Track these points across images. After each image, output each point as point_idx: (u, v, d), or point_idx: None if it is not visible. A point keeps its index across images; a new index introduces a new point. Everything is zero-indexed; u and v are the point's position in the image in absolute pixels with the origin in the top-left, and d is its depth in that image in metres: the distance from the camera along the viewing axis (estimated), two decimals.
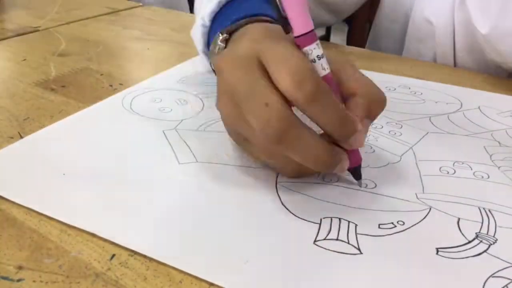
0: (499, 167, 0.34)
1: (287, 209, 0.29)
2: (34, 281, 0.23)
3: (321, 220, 0.28)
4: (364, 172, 0.32)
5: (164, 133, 0.37)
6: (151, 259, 0.25)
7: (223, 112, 0.30)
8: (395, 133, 0.38)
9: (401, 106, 0.43)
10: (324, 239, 0.26)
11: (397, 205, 0.29)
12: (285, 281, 0.23)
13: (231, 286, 0.23)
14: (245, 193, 0.30)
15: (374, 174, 0.32)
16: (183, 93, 0.45)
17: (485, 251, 0.26)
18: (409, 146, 0.36)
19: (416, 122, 0.40)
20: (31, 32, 0.63)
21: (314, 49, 0.27)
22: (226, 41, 0.38)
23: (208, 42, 0.44)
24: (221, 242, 0.26)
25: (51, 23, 0.66)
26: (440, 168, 0.34)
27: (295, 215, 0.28)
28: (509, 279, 0.24)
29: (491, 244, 0.26)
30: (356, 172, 0.31)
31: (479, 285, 0.23)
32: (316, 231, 0.27)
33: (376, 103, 0.29)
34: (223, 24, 0.40)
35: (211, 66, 0.44)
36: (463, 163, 0.34)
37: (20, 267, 0.24)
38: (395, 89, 0.47)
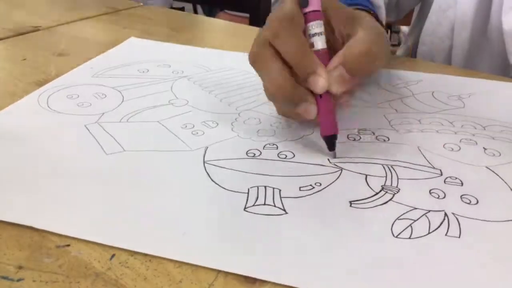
0: (397, 131, 0.39)
1: (216, 183, 0.31)
2: (34, 281, 0.23)
3: (248, 190, 0.30)
4: (283, 145, 0.35)
5: (87, 127, 0.37)
6: (151, 259, 0.25)
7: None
8: None
9: None
10: (253, 205, 0.29)
11: (314, 170, 0.33)
12: (221, 246, 0.26)
13: (172, 256, 0.25)
14: (176, 174, 0.32)
15: (292, 146, 0.36)
16: (100, 87, 0.45)
17: (390, 199, 0.30)
18: None
19: None
20: (31, 32, 0.62)
21: (314, 26, 0.33)
22: None
23: None
24: (158, 219, 0.27)
25: (51, 23, 0.66)
26: (347, 136, 0.38)
27: (224, 188, 0.30)
28: (411, 219, 0.28)
29: (395, 194, 0.30)
30: (329, 141, 0.34)
31: (388, 227, 0.27)
32: (245, 199, 0.29)
33: (355, 56, 0.32)
34: None
35: None
36: (366, 130, 0.39)
37: (20, 267, 0.24)
38: None
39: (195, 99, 0.43)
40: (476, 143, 0.37)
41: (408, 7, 0.70)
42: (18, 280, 0.23)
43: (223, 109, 0.41)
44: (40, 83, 0.45)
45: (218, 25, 0.75)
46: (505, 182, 0.32)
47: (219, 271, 0.24)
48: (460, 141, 0.37)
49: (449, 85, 0.48)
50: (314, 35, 0.34)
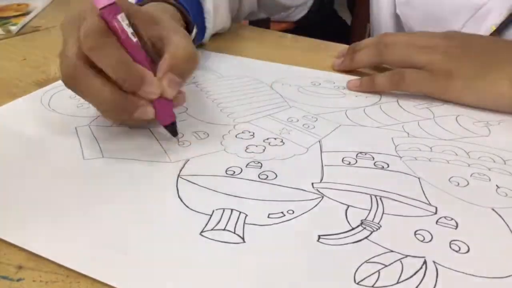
0: (401, 157, 0.35)
1: (181, 201, 0.29)
2: (34, 281, 0.23)
3: (213, 211, 0.28)
4: (268, 164, 0.33)
5: (76, 130, 0.37)
6: None
7: None
8: (308, 126, 0.39)
9: (321, 101, 0.44)
10: (212, 229, 0.27)
11: (292, 195, 0.30)
12: (164, 270, 0.24)
13: (108, 279, 0.23)
14: (145, 186, 0.30)
15: (278, 165, 0.33)
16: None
17: (366, 237, 0.27)
18: (319, 138, 0.37)
19: (332, 116, 0.41)
20: (31, 32, 0.62)
21: (121, 19, 0.32)
22: None
23: None
24: (102, 235, 0.26)
25: (51, 23, 0.66)
26: (342, 158, 0.34)
27: (187, 207, 0.28)
28: (382, 264, 0.25)
29: (373, 231, 0.27)
30: (171, 129, 0.35)
31: (352, 270, 0.24)
32: (206, 222, 0.27)
33: (181, 60, 0.34)
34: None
35: None
36: (366, 154, 0.35)
37: (20, 267, 0.24)
38: (320, 84, 0.48)
39: (195, 107, 0.41)
40: (489, 179, 0.32)
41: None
42: (18, 280, 0.23)
43: (219, 120, 0.39)
44: (40, 83, 0.45)
45: None
46: (510, 229, 0.27)
47: None
48: (471, 175, 0.33)
49: (478, 109, 0.43)
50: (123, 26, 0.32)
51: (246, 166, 0.33)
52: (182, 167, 0.32)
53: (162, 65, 0.33)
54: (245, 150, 0.35)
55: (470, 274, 0.24)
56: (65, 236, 0.26)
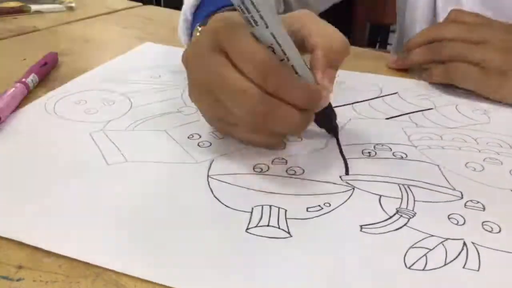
0: (416, 147, 0.36)
1: (219, 201, 0.29)
2: (34, 281, 0.23)
3: (252, 208, 0.28)
4: (292, 160, 0.33)
5: (91, 135, 0.36)
6: None
7: (199, 105, 0.33)
8: None
9: None
10: (256, 226, 0.27)
11: (323, 188, 0.31)
12: (220, 270, 0.24)
13: (171, 282, 0.23)
14: (177, 189, 0.30)
15: (302, 161, 0.34)
16: (109, 93, 0.44)
17: (405, 224, 0.28)
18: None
19: (339, 110, 0.42)
20: (31, 32, 0.62)
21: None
22: None
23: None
24: (156, 241, 0.26)
25: (51, 23, 0.66)
26: (362, 151, 0.35)
27: (227, 206, 0.29)
28: (427, 248, 0.26)
29: (410, 218, 0.28)
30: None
31: (401, 257, 0.25)
32: (248, 219, 0.27)
33: (335, 52, 0.32)
34: (200, 16, 0.42)
35: None
36: (383, 145, 0.36)
37: (20, 267, 0.24)
38: None
39: None
40: (502, 163, 0.34)
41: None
42: (18, 280, 0.23)
43: None
44: (40, 83, 0.44)
45: None
46: None
47: None
48: (484, 160, 0.35)
49: (473, 98, 0.45)
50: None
51: (271, 163, 0.33)
52: (209, 167, 0.32)
53: (319, 63, 0.32)
54: (266, 148, 0.35)
55: (507, 252, 0.26)
56: (112, 240, 0.26)
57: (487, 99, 0.45)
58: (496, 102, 0.44)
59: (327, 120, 0.36)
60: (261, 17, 0.27)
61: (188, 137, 0.36)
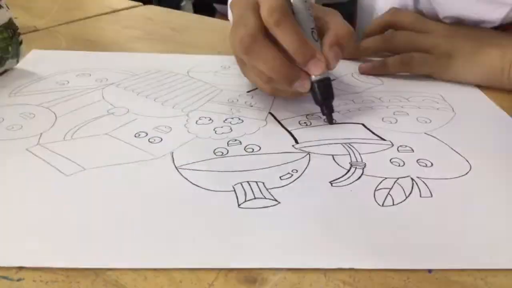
0: (339, 112, 0.42)
1: (199, 187, 0.30)
2: (34, 281, 0.23)
3: (233, 187, 0.30)
4: (245, 139, 0.36)
5: (30, 151, 0.34)
6: None
7: (230, 36, 0.38)
8: (250, 104, 0.43)
9: (239, 80, 0.48)
10: (245, 201, 0.29)
11: (284, 158, 0.34)
12: (225, 245, 0.26)
13: (183, 264, 0.24)
14: (153, 186, 0.30)
15: (253, 139, 0.36)
16: (23, 106, 0.40)
17: (362, 174, 0.32)
18: (267, 110, 0.41)
19: (260, 91, 0.46)
20: (31, 32, 0.62)
21: None
22: None
23: None
24: (156, 234, 0.26)
25: (51, 23, 0.66)
26: (299, 122, 0.39)
27: (209, 190, 0.30)
28: (387, 188, 0.31)
29: (363, 168, 0.33)
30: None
31: (372, 198, 0.30)
32: (235, 197, 0.29)
33: (342, 35, 0.39)
34: None
35: None
36: (313, 115, 0.41)
37: (20, 267, 0.24)
38: (229, 66, 0.52)
39: (135, 106, 0.41)
40: (408, 114, 0.41)
41: None
42: (18, 280, 0.23)
43: (169, 113, 0.40)
44: None
45: (218, 24, 0.73)
46: (445, 143, 0.37)
47: (219, 271, 0.24)
48: (394, 113, 0.41)
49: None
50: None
51: (228, 145, 0.35)
52: (173, 160, 0.33)
53: (329, 39, 0.38)
54: (215, 133, 0.37)
55: (445, 178, 0.32)
56: (113, 241, 0.25)
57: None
58: None
59: (321, 94, 0.38)
60: None
61: (135, 136, 0.36)
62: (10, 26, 0.46)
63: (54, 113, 0.39)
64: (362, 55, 0.54)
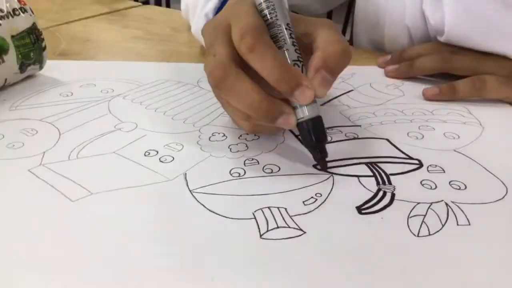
0: (360, 126, 0.39)
1: (216, 214, 0.28)
2: None
3: (253, 214, 0.28)
4: (263, 159, 0.34)
5: (32, 173, 0.31)
6: None
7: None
8: None
9: None
10: (267, 231, 0.27)
11: (306, 181, 0.31)
12: (256, 280, 0.23)
13: None
14: (166, 211, 0.28)
15: (272, 158, 0.34)
16: (25, 121, 0.38)
17: (393, 198, 0.30)
18: None
19: None
20: None
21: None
22: None
23: None
24: (171, 270, 0.24)
25: (50, 23, 0.66)
26: None
27: (227, 217, 0.28)
28: (421, 215, 0.28)
29: (393, 191, 0.30)
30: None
31: (405, 227, 0.27)
32: (256, 225, 0.27)
33: (333, 57, 0.31)
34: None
35: None
36: (332, 129, 0.38)
37: None
38: None
39: (143, 121, 0.39)
40: (434, 129, 0.39)
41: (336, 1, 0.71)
42: None
43: (180, 128, 0.38)
44: None
45: None
46: (477, 162, 0.34)
47: None
48: (419, 128, 0.39)
49: (380, 75, 0.50)
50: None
51: (244, 165, 0.33)
52: (186, 182, 0.31)
53: (313, 62, 0.30)
54: (230, 151, 0.35)
55: (481, 203, 0.30)
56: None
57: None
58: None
59: (310, 136, 0.31)
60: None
61: (145, 155, 0.34)
62: (33, 31, 0.44)
63: (58, 129, 0.37)
64: (414, 74, 0.49)
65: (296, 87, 0.30)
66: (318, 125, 0.31)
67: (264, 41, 0.30)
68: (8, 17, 0.43)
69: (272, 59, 0.29)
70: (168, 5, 1.74)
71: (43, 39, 0.45)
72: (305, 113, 0.31)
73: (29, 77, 0.47)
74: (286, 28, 0.32)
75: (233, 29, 0.31)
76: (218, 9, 0.46)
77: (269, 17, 0.32)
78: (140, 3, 0.80)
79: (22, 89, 0.44)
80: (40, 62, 0.46)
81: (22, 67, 0.44)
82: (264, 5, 0.32)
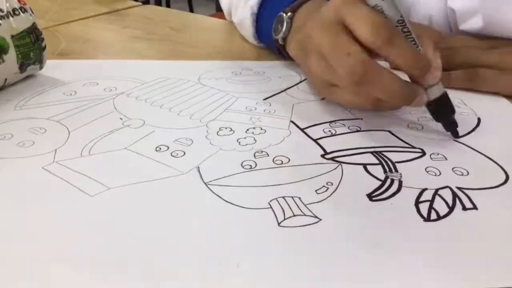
0: (361, 119, 0.40)
1: (234, 204, 0.29)
2: None
3: (269, 204, 0.29)
4: (272, 151, 0.34)
5: (47, 170, 0.32)
6: None
7: (312, 67, 0.38)
8: (269, 111, 0.41)
9: (254, 86, 0.47)
10: (284, 219, 0.28)
11: (317, 170, 0.32)
12: (279, 266, 0.24)
13: None
14: (184, 204, 0.29)
15: (280, 149, 0.35)
16: (32, 120, 0.38)
17: (401, 186, 0.31)
18: (288, 118, 0.40)
19: (278, 98, 0.44)
20: None
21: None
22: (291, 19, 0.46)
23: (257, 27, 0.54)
24: (196, 259, 0.25)
25: (51, 23, 0.66)
26: (323, 130, 0.38)
27: (245, 207, 0.28)
28: (428, 200, 0.30)
29: (400, 179, 0.32)
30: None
31: (415, 213, 0.28)
32: (273, 214, 0.28)
33: (434, 38, 0.36)
34: (276, 7, 0.48)
35: (275, 43, 0.49)
36: (335, 122, 0.40)
37: None
38: (240, 73, 0.50)
39: (151, 117, 0.39)
40: (433, 120, 0.40)
41: None
42: None
43: (187, 124, 0.39)
44: None
45: (218, 24, 0.71)
46: (475, 150, 0.36)
47: None
48: (418, 119, 0.40)
49: None
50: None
51: (255, 157, 0.34)
52: (200, 175, 0.32)
53: (428, 42, 0.35)
54: (239, 144, 0.36)
55: (485, 188, 0.31)
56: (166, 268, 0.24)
57: None
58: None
59: (442, 111, 0.37)
60: None
61: (156, 150, 0.34)
62: (33, 31, 0.44)
63: (66, 127, 0.37)
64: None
65: (427, 70, 0.34)
66: (447, 99, 0.36)
67: (398, 33, 0.33)
68: (8, 17, 0.43)
69: (408, 48, 0.33)
70: (168, 5, 1.73)
71: (43, 39, 0.46)
72: (435, 92, 0.36)
73: (29, 77, 0.47)
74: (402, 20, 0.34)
75: (361, 26, 0.33)
76: (262, 3, 0.52)
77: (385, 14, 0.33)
78: (140, 3, 0.80)
79: (24, 89, 0.44)
80: (40, 62, 0.46)
81: (22, 67, 0.44)
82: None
